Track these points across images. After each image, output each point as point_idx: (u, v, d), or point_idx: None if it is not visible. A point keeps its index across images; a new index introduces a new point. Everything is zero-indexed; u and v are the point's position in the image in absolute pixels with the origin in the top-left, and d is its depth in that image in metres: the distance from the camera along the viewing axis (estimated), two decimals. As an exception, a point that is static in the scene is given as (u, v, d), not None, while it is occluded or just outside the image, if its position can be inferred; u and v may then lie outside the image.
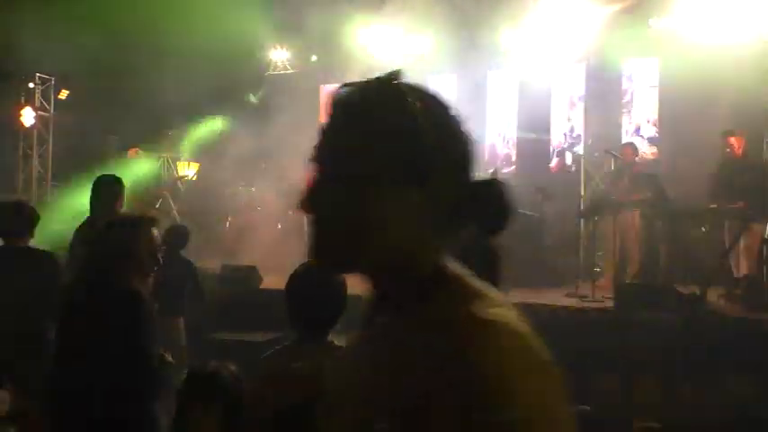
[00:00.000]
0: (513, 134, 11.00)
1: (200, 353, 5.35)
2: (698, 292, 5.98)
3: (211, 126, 11.20)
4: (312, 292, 2.42)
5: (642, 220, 7.62)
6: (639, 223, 7.58)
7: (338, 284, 2.47)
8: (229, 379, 2.32)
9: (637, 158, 8.28)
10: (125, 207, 4.88)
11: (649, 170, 8.33)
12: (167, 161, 11.75)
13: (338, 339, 2.49)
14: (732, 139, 7.23)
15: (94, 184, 4.81)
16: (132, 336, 2.83)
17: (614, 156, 8.23)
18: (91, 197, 4.79)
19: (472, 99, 11.04)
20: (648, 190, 7.51)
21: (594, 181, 9.53)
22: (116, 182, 4.79)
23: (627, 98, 10.13)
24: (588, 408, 3.71)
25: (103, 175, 4.91)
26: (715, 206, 6.97)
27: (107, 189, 4.74)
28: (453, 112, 1.05)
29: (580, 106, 10.36)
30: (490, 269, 2.15)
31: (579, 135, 10.28)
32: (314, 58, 12.03)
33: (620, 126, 10.02)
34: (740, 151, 7.24)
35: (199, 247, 9.92)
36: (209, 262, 8.71)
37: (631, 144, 8.56)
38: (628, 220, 7.48)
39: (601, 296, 6.62)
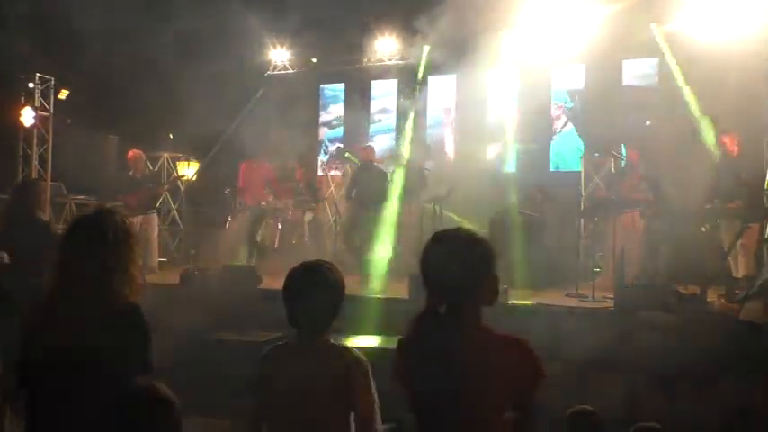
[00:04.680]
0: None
1: (200, 353, 5.35)
2: (698, 292, 5.98)
3: (211, 126, 11.17)
4: (309, 292, 2.42)
5: (642, 220, 7.60)
6: (640, 224, 7.56)
7: (335, 285, 2.46)
8: (168, 397, 2.07)
9: (638, 159, 8.27)
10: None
11: (650, 171, 8.31)
12: (167, 161, 11.75)
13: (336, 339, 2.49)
14: (725, 138, 7.18)
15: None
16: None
17: (615, 156, 8.23)
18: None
19: (472, 99, 11.05)
20: (650, 190, 7.49)
21: (594, 181, 9.52)
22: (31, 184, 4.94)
23: (626, 98, 10.12)
24: (592, 409, 3.71)
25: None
26: (715, 206, 6.96)
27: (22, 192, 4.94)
28: None
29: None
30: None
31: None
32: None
33: (620, 126, 10.01)
34: (735, 150, 7.16)
35: (198, 247, 9.96)
36: (209, 262, 8.71)
37: (635, 145, 8.56)
38: (628, 221, 7.47)
39: (601, 296, 6.63)
